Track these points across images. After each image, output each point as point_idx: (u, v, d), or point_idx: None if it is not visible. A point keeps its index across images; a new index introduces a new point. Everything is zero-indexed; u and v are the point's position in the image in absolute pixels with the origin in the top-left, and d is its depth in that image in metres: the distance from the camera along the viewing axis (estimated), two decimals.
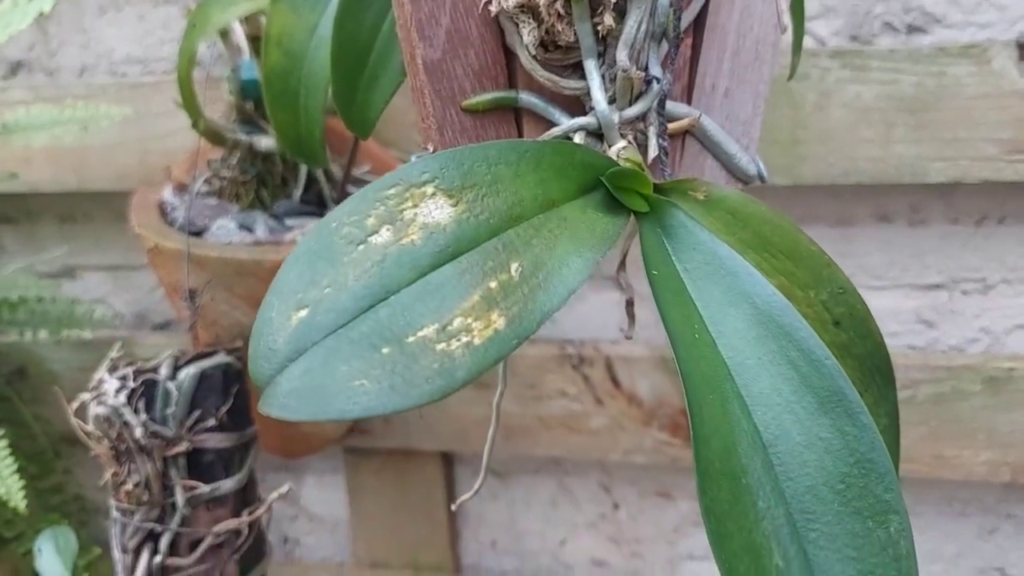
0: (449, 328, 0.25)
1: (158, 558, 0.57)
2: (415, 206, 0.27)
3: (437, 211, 0.27)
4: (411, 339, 0.25)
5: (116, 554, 0.58)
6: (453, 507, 0.57)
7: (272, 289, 0.26)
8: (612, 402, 0.73)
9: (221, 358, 0.58)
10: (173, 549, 0.58)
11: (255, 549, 0.62)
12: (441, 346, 0.24)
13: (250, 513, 0.60)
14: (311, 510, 0.86)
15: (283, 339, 0.25)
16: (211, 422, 0.57)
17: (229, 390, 0.58)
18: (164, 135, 0.75)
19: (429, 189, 0.27)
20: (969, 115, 0.62)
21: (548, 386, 0.74)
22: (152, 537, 0.57)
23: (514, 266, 0.26)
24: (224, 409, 0.57)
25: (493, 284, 0.25)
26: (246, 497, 0.60)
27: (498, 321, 0.25)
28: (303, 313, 0.25)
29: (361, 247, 0.26)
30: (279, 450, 0.74)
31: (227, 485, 0.58)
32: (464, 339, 0.24)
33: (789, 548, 0.27)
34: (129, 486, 0.56)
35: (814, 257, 0.33)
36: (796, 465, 0.28)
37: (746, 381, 0.29)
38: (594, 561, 0.82)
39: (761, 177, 0.37)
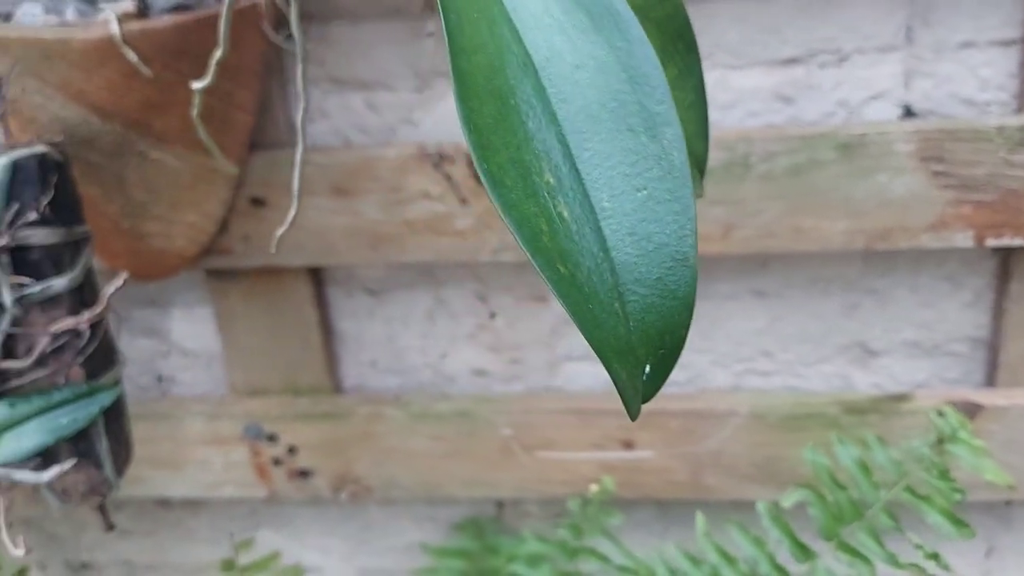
0: None
1: None
2: None
3: None
4: None
5: None
6: None
7: None
8: (477, 200, 0.71)
9: (36, 148, 0.54)
10: (10, 352, 0.55)
11: (102, 355, 0.59)
12: None
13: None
14: (183, 345, 0.84)
15: None
16: (32, 216, 0.54)
17: (48, 180, 0.54)
18: None
19: None
20: None
21: (410, 188, 0.71)
22: None
23: None
24: (44, 201, 0.54)
25: None
26: (84, 298, 0.58)
27: None
28: None
29: None
30: (130, 270, 0.70)
31: (59, 284, 0.55)
32: None
33: (561, 167, 0.26)
34: None
35: None
36: (568, 86, 0.27)
37: (514, 3, 0.27)
38: (475, 371, 0.82)
39: None
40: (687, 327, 0.26)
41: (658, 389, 0.27)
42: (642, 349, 0.26)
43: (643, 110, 0.27)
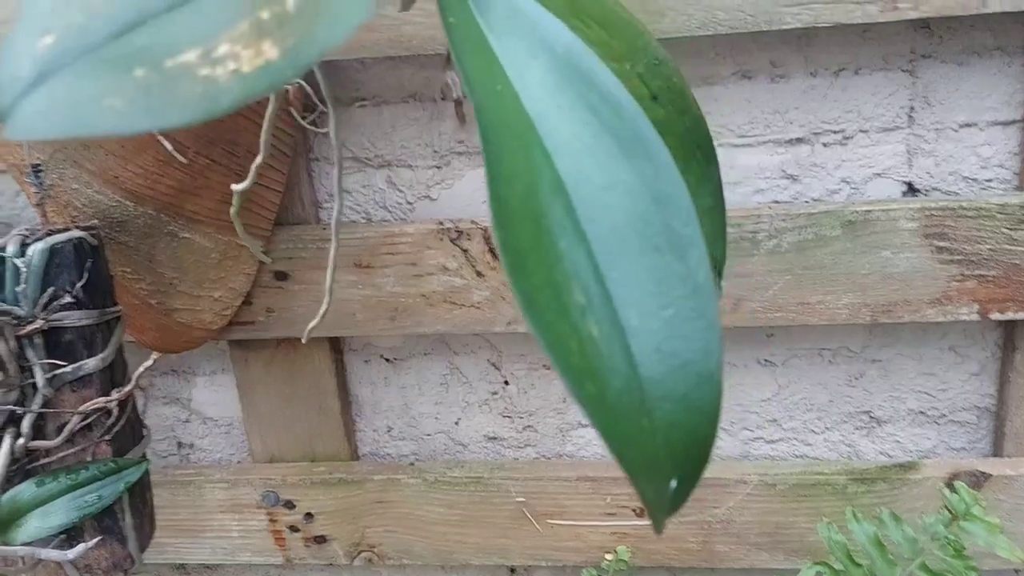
0: (214, 55, 0.24)
1: (21, 440, 0.55)
2: None
3: None
4: (170, 64, 0.24)
5: None
6: None
7: (18, 17, 0.25)
8: (492, 274, 0.73)
9: (72, 233, 0.56)
10: (40, 432, 0.57)
11: (130, 432, 0.61)
12: (205, 71, 0.24)
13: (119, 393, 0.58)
14: (203, 413, 0.85)
15: (27, 65, 0.24)
16: (67, 299, 0.55)
17: (83, 265, 0.56)
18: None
19: None
20: None
21: (428, 263, 0.73)
22: (14, 420, 0.56)
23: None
24: (79, 285, 0.56)
25: (265, 15, 0.24)
26: (114, 378, 0.59)
27: (270, 51, 0.24)
28: (49, 39, 0.24)
29: None
30: (157, 344, 0.72)
31: (91, 364, 0.57)
32: (231, 66, 0.24)
33: (591, 286, 0.28)
34: None
35: (628, 25, 0.33)
36: (597, 208, 0.28)
37: (548, 130, 0.29)
38: (488, 437, 0.83)
39: None
40: (712, 442, 0.28)
41: (683, 503, 0.28)
42: (668, 464, 0.27)
43: (669, 230, 0.28)
